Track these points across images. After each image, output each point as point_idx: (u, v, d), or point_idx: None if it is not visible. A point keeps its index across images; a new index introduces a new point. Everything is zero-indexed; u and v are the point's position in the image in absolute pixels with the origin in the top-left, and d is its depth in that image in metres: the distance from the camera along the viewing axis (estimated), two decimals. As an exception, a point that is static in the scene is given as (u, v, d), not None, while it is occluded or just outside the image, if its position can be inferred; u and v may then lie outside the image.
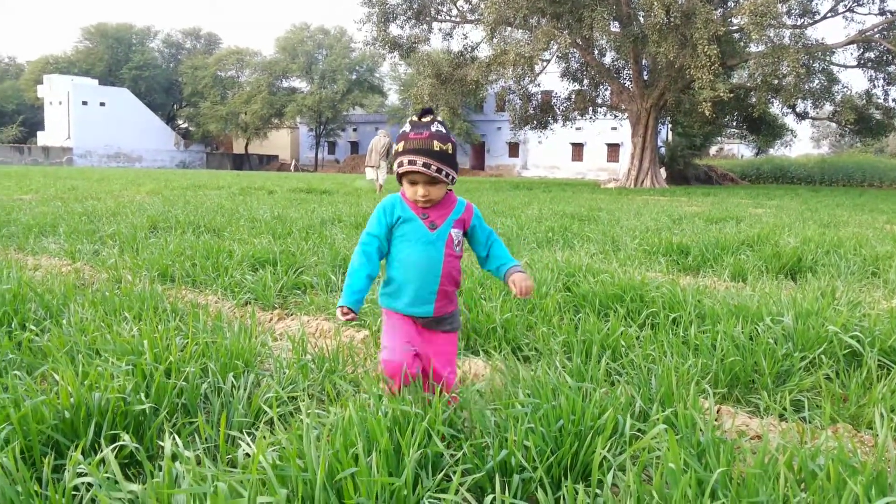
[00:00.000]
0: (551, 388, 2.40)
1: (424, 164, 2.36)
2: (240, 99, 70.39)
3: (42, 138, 69.86)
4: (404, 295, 2.50)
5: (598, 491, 1.83)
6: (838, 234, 8.71)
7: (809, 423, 2.67)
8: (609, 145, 55.97)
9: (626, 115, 32.65)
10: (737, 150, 66.86)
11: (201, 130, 76.35)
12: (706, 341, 3.38)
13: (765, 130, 36.94)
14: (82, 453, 2.00)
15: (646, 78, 31.29)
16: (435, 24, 32.43)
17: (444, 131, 2.44)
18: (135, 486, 1.64)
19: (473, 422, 2.16)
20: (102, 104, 68.76)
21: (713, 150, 56.44)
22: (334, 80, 68.86)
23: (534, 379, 2.52)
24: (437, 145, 2.38)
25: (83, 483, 1.80)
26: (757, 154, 50.51)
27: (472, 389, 2.40)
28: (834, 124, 37.55)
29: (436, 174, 2.38)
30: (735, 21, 26.53)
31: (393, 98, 72.10)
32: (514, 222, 9.66)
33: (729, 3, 29.27)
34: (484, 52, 31.52)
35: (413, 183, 2.44)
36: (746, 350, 3.24)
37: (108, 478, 1.70)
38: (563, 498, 1.82)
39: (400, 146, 2.42)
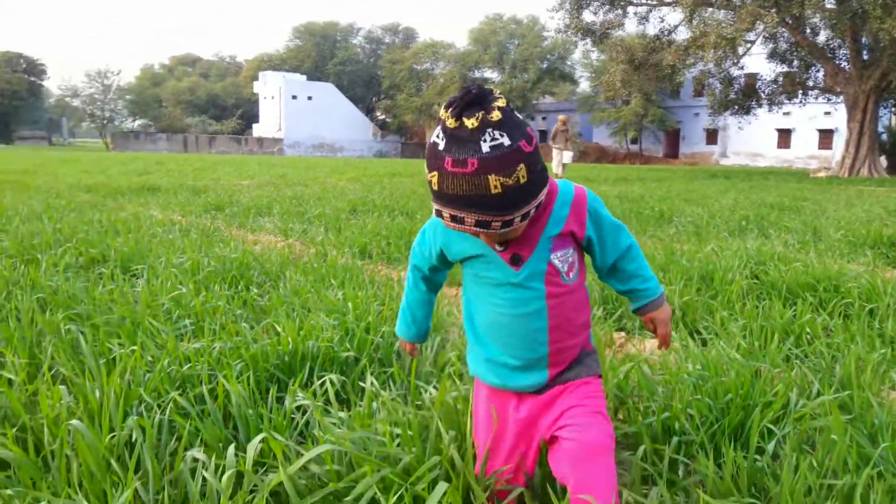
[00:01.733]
0: (723, 364, 2.44)
1: (479, 224, 1.36)
2: (433, 90, 72.86)
3: (256, 130, 76.63)
4: (494, 364, 1.60)
5: (756, 457, 1.88)
6: None
7: None
8: (821, 131, 51.60)
9: (842, 98, 29.95)
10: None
11: (397, 121, 79.98)
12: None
13: None
14: (298, 388, 2.36)
15: (865, 58, 28.49)
16: (630, 9, 31.60)
17: (505, 143, 1.30)
18: (342, 414, 1.95)
19: (640, 387, 2.27)
20: (310, 98, 74.06)
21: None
22: (525, 69, 69.23)
23: (704, 355, 2.57)
24: (494, 183, 1.30)
25: (300, 408, 2.15)
26: None
27: (640, 359, 2.49)
28: None
29: (503, 230, 1.39)
30: None
31: (584, 86, 71.19)
32: (706, 210, 9.36)
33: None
34: (682, 35, 30.27)
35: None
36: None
37: (320, 405, 2.03)
38: (723, 461, 1.90)
39: (433, 180, 1.36)
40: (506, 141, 1.28)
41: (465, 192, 1.28)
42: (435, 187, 1.33)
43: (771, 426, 2.07)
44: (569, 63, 71.96)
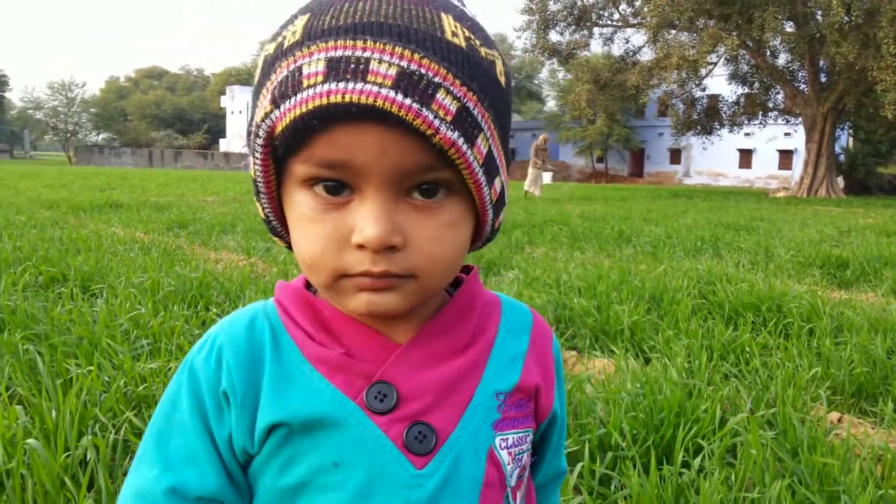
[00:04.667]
0: (660, 383, 2.57)
1: (406, 79, 0.56)
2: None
3: (223, 145, 76.21)
4: None
5: (683, 471, 2.00)
6: None
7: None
8: (781, 152, 52.84)
9: (801, 119, 30.77)
10: (931, 157, 60.88)
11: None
12: (838, 353, 3.38)
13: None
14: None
15: (823, 81, 29.35)
16: (595, 30, 32.19)
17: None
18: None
19: (580, 406, 2.39)
20: (278, 113, 74.00)
21: (902, 157, 51.70)
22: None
23: (644, 374, 2.70)
24: (452, 27, 0.60)
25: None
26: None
27: (583, 378, 2.62)
28: None
29: (457, 140, 0.59)
30: None
31: (551, 104, 72.12)
32: (664, 230, 9.59)
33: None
34: (646, 56, 30.91)
35: (329, 201, 0.61)
36: (878, 364, 3.22)
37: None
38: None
39: (302, 23, 0.61)
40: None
41: (394, 20, 0.58)
42: (301, 30, 0.60)
43: (701, 441, 2.20)
44: (536, 82, 72.97)
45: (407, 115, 0.55)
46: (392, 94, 0.55)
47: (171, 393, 0.69)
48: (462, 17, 0.62)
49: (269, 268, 5.72)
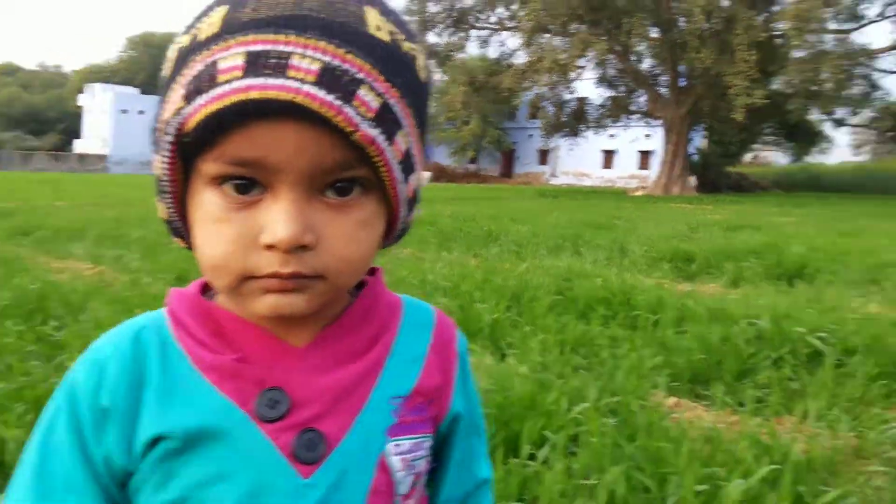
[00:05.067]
0: (511, 378, 2.64)
1: (329, 75, 0.54)
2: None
3: (78, 146, 71.71)
4: None
5: (529, 462, 2.06)
6: (849, 243, 8.75)
7: (759, 415, 2.87)
8: (642, 153, 55.72)
9: (661, 122, 32.56)
10: (773, 157, 66.14)
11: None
12: (681, 341, 3.59)
13: (801, 138, 36.57)
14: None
15: (682, 85, 31.18)
16: (473, 32, 32.71)
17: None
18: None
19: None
20: (141, 112, 70.36)
21: (748, 157, 55.76)
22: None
23: (498, 369, 2.76)
24: (377, 22, 0.58)
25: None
26: (793, 162, 49.79)
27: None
28: (874, 131, 36.92)
29: (377, 137, 0.57)
30: (779, 26, 26.33)
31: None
32: (530, 229, 9.87)
33: (773, 8, 29.01)
34: (521, 59, 31.73)
35: (240, 199, 0.58)
36: (713, 349, 3.45)
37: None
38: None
39: (213, 19, 0.58)
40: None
41: (317, 13, 0.55)
42: (218, 22, 0.57)
43: (547, 433, 2.27)
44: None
45: (328, 111, 0.53)
46: (314, 90, 0.53)
47: (48, 415, 0.63)
48: (386, 11, 0.60)
49: (119, 276, 5.42)
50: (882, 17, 29.85)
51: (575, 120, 34.83)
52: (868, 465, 2.30)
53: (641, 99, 34.98)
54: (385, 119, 0.57)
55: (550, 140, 36.45)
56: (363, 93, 0.55)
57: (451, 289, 4.83)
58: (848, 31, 28.86)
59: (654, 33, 28.94)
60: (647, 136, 52.95)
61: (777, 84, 32.73)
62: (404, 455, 0.67)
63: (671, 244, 7.85)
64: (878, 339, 3.44)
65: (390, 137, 0.58)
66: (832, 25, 27.86)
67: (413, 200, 0.67)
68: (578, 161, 57.55)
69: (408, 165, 0.62)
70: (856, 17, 29.66)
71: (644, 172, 54.57)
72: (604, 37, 27.05)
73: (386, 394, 0.66)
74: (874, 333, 3.51)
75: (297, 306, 0.59)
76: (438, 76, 58.63)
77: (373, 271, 0.72)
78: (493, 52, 33.93)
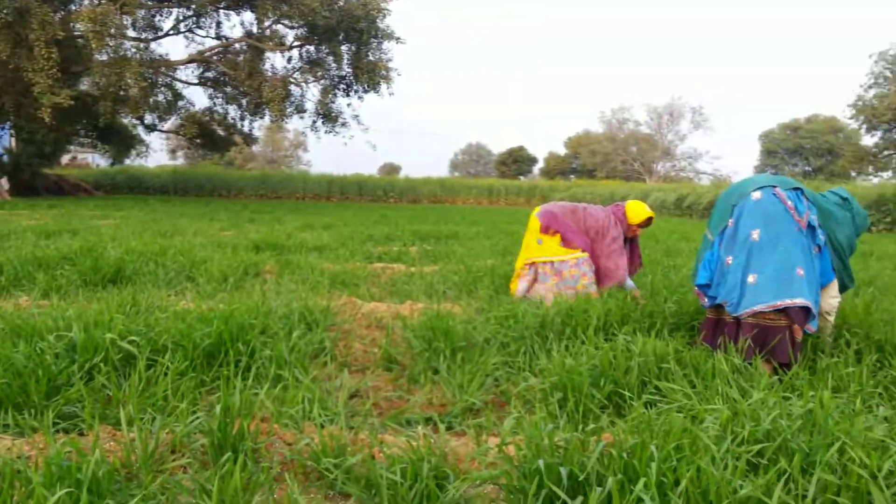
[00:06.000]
0: None
1: None
2: None
3: None
4: None
5: None
6: (165, 242, 9.20)
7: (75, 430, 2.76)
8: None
9: None
10: (91, 159, 65.21)
11: None
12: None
13: (116, 140, 36.92)
14: None
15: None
16: None
17: None
18: None
19: None
20: None
21: (66, 158, 53.64)
22: None
23: None
24: None
25: None
26: (112, 164, 49.96)
27: None
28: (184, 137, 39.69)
29: None
30: (78, 27, 25.57)
31: None
32: None
33: (71, 7, 28.04)
34: None
35: None
36: (23, 370, 3.15)
37: None
38: None
39: None
40: None
41: None
42: None
43: None
44: None
45: None
46: None
47: None
48: None
49: None
50: (176, 31, 32.27)
51: None
52: (181, 459, 2.43)
53: None
54: None
55: None
56: None
57: None
58: (147, 41, 30.35)
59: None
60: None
61: (85, 85, 32.34)
62: None
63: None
64: (185, 334, 3.66)
65: None
66: (131, 33, 28.85)
67: None
68: None
69: None
70: (153, 28, 31.41)
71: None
72: None
73: None
74: (182, 329, 3.72)
75: None
76: None
77: None
78: None
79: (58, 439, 2.51)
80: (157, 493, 2.13)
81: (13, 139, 40.44)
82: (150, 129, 35.30)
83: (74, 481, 1.95)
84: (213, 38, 32.92)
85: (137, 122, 34.17)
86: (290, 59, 31.19)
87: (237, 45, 31.20)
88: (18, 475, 2.16)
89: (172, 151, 70.38)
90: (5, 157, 35.45)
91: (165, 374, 3.26)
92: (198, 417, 2.64)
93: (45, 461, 2.09)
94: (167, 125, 37.90)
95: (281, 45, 29.85)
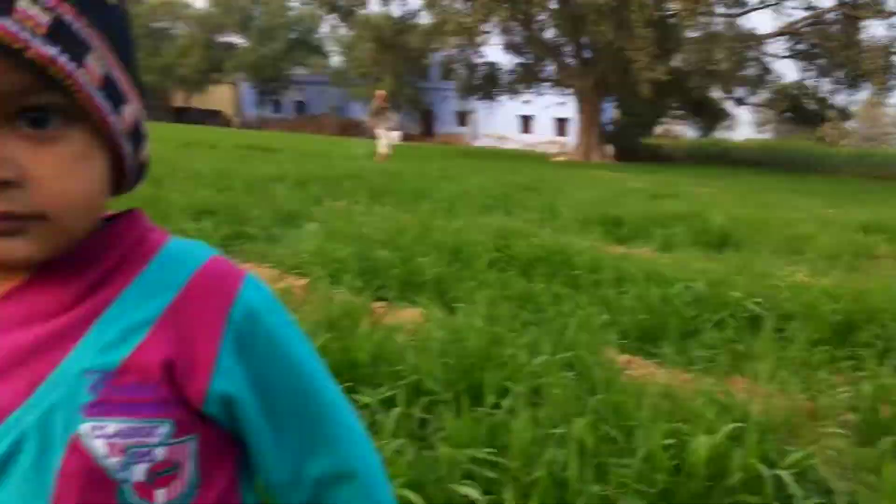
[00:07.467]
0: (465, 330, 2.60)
1: None
2: (174, 51, 68.37)
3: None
4: None
5: (494, 411, 2.04)
6: (768, 214, 9.10)
7: (710, 374, 2.96)
8: (558, 119, 56.31)
9: (572, 90, 32.87)
10: (682, 130, 68.32)
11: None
12: (623, 301, 3.65)
13: (706, 113, 37.84)
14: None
15: (588, 57, 31.48)
16: (373, -13, 31.85)
17: None
18: None
19: (389, 353, 2.36)
20: None
21: (660, 129, 57.35)
22: (273, 37, 67.25)
23: (451, 322, 2.73)
24: None
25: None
26: (702, 136, 51.56)
27: (392, 327, 2.58)
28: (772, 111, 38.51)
29: (57, 56, 0.50)
30: (671, 6, 26.86)
31: (337, 59, 70.83)
32: (459, 187, 9.83)
33: (664, -12, 29.49)
34: (425, 19, 31.19)
35: None
36: (655, 310, 3.51)
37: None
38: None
39: None
40: None
41: None
42: None
43: (508, 383, 2.25)
44: (317, 36, 71.00)
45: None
46: None
47: None
48: None
49: None
50: (764, 4, 30.86)
51: (488, 84, 34.73)
52: (824, 427, 2.39)
53: (552, 67, 35.14)
54: (63, 37, 0.50)
55: (466, 102, 36.27)
56: (24, 5, 0.48)
57: (389, 242, 4.74)
58: (735, 16, 29.84)
59: (555, 4, 29.01)
60: (562, 103, 53.43)
61: (677, 61, 33.60)
62: (114, 439, 0.55)
63: (599, 208, 7.97)
64: (812, 306, 3.58)
65: (78, 59, 0.51)
66: (720, 10, 28.74)
67: (137, 136, 0.60)
68: (497, 124, 57.76)
69: (114, 94, 0.55)
70: (740, 3, 30.62)
71: (562, 138, 55.25)
72: (506, 4, 26.85)
73: (77, 366, 0.55)
74: (807, 301, 3.65)
75: (18, 251, 0.53)
76: (343, 31, 57.40)
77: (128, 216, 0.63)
78: (396, 10, 33.12)
79: (701, 377, 2.72)
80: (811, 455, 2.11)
81: (616, 111, 44.86)
82: (740, 102, 35.16)
83: (735, 418, 2.09)
84: (802, 8, 30.71)
85: (727, 96, 34.35)
86: (891, 27, 27.26)
87: (829, 15, 28.58)
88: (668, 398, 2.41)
89: (761, 125, 68.89)
90: (610, 126, 39.63)
91: (794, 342, 3.22)
92: (843, 391, 2.56)
93: (699, 393, 2.28)
94: (756, 99, 37.19)
95: (880, 13, 26.24)
